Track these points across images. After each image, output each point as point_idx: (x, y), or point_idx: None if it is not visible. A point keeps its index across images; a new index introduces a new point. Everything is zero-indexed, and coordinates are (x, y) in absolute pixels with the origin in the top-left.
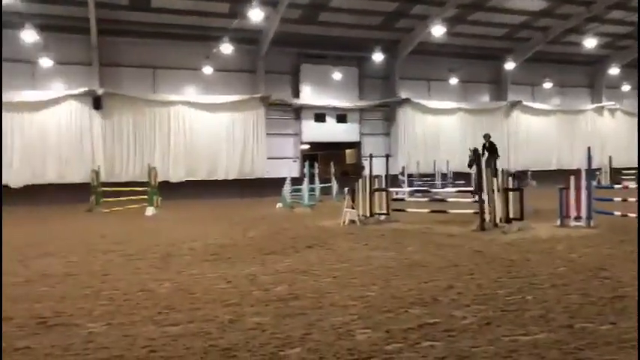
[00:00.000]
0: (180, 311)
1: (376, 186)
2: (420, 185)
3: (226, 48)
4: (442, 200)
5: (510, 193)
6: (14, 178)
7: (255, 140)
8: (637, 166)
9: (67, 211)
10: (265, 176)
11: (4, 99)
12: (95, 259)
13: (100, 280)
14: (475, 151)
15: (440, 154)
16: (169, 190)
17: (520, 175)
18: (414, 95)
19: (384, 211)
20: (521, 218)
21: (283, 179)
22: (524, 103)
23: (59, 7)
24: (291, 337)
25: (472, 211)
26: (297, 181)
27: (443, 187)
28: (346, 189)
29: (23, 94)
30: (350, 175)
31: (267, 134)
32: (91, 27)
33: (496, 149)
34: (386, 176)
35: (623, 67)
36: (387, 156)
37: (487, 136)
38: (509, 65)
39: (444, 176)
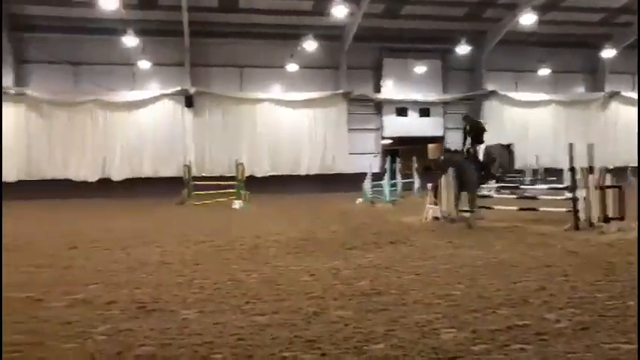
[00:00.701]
0: (267, 302)
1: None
2: (507, 181)
3: (310, 45)
4: (532, 197)
5: (609, 191)
6: (116, 173)
7: (336, 136)
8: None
9: (162, 203)
10: (346, 171)
11: (107, 99)
12: (187, 249)
13: (191, 269)
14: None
15: (529, 148)
16: (254, 184)
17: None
18: (501, 87)
19: (469, 208)
20: (621, 218)
21: (364, 174)
22: (624, 93)
23: (156, 12)
24: (374, 332)
25: (565, 209)
26: (378, 177)
27: (533, 184)
28: (429, 185)
29: (124, 95)
30: (433, 170)
31: (349, 129)
32: (183, 29)
33: (481, 131)
34: None
35: None
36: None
37: (467, 118)
38: (607, 53)
39: (534, 172)
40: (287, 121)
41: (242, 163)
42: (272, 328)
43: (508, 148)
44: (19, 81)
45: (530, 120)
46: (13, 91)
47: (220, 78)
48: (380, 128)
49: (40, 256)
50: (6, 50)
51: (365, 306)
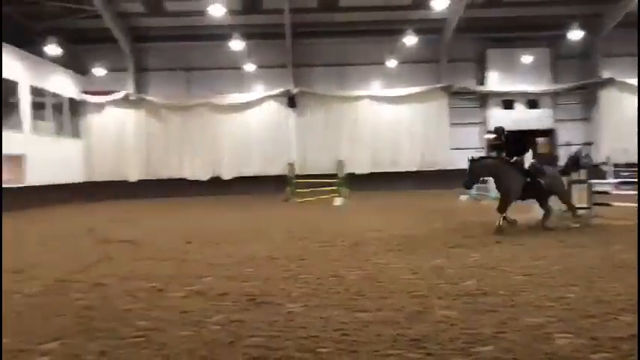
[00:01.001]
0: (370, 298)
1: (575, 177)
2: (628, 176)
3: (409, 40)
4: None
5: None
6: (225, 172)
7: (437, 131)
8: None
9: (268, 201)
10: (448, 167)
11: (217, 102)
12: (292, 245)
13: (296, 265)
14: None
15: None
16: (355, 181)
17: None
18: (620, 74)
19: (585, 205)
20: None
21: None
22: None
23: (260, 16)
24: (482, 334)
25: None
26: None
27: None
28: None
29: (232, 97)
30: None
31: (451, 124)
32: (285, 31)
33: (519, 141)
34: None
35: None
36: (588, 144)
37: (500, 129)
38: None
39: None
40: (387, 118)
41: (343, 161)
42: (375, 325)
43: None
44: (139, 88)
45: None
46: (134, 97)
47: (321, 77)
48: (484, 122)
49: (160, 250)
50: (128, 60)
51: (471, 306)
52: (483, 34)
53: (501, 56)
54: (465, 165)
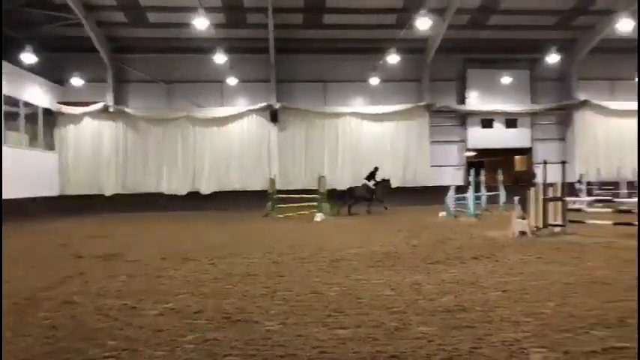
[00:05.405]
0: (349, 315)
1: (550, 195)
2: (600, 194)
3: (392, 58)
4: (628, 211)
5: None
6: (204, 186)
7: (418, 148)
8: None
9: (248, 216)
10: (428, 184)
11: (198, 115)
12: (271, 261)
13: (275, 281)
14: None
15: (625, 160)
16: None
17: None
18: (594, 96)
19: (559, 222)
20: None
21: (447, 187)
22: None
23: (244, 30)
24: (459, 350)
25: None
26: (461, 190)
27: (629, 197)
28: (516, 198)
29: (213, 111)
30: (520, 183)
31: (432, 142)
32: (269, 46)
33: (373, 174)
34: (562, 184)
35: None
36: (563, 162)
37: (376, 169)
38: None
39: (629, 184)
40: (369, 134)
41: (324, 176)
42: (354, 342)
43: (382, 182)
44: (118, 99)
45: (626, 129)
46: (113, 109)
47: (304, 93)
48: (464, 140)
49: (135, 266)
50: (107, 71)
51: (449, 322)
52: (465, 55)
53: (482, 76)
54: (445, 182)
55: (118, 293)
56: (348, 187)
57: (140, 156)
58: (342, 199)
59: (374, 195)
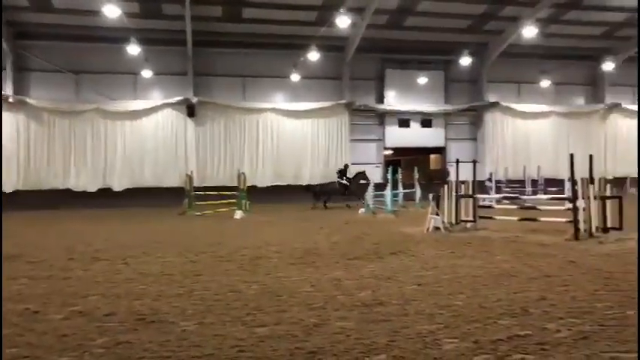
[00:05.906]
0: (268, 313)
1: (462, 192)
2: (508, 192)
3: (313, 56)
4: (533, 208)
5: (608, 202)
6: (116, 183)
7: (339, 146)
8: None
9: (163, 213)
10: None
11: (109, 108)
12: (188, 260)
13: (192, 280)
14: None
15: (530, 159)
16: (257, 194)
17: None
18: (503, 99)
19: (471, 219)
20: (620, 228)
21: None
22: (624, 105)
23: (159, 21)
24: (376, 343)
25: (565, 219)
26: (380, 187)
27: (533, 194)
28: (431, 195)
29: (126, 104)
30: (434, 180)
31: (351, 140)
32: (187, 39)
33: (344, 172)
34: (473, 182)
35: None
36: (474, 162)
37: (346, 166)
38: (608, 66)
39: (534, 183)
40: (289, 131)
41: (244, 173)
42: (272, 339)
43: (356, 176)
44: (19, 89)
45: (531, 131)
46: (12, 100)
47: (223, 88)
48: (382, 139)
49: (39, 268)
50: (6, 57)
51: (366, 317)
52: (383, 55)
53: (399, 76)
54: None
55: (18, 297)
56: (317, 183)
57: (44, 150)
58: (315, 195)
59: (347, 190)
